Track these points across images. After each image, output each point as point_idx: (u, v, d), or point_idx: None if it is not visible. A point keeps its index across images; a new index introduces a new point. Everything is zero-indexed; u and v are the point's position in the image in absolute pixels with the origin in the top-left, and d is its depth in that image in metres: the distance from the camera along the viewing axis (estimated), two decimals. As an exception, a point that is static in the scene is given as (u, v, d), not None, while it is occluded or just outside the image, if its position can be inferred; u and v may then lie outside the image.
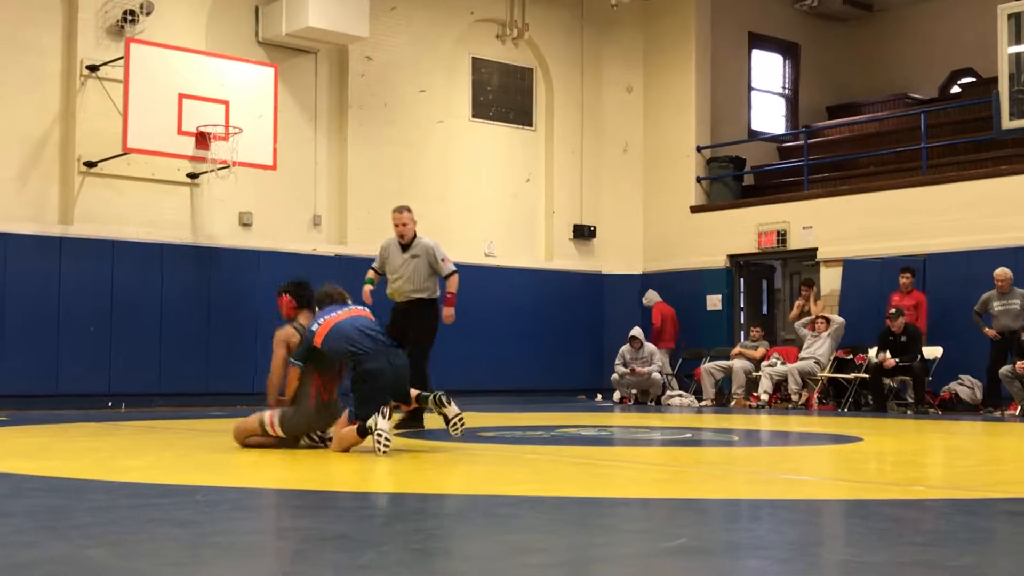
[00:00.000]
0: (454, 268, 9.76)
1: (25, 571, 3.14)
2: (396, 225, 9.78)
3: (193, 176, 14.35)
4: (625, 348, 16.80)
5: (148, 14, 14.01)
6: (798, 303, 16.07)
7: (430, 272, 9.68)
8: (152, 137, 13.23)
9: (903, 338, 14.08)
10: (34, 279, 13.31)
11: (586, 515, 4.60)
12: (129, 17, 13.90)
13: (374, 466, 6.37)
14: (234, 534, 3.96)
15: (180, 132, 13.44)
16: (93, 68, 13.70)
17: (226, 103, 13.76)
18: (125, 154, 13.38)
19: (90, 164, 13.66)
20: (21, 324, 13.18)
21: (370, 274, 9.98)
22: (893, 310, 14.20)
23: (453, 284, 9.71)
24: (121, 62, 13.26)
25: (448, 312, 9.69)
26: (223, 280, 14.64)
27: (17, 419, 10.94)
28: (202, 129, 13.53)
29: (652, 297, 17.61)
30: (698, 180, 18.32)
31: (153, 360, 13.99)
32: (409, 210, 9.86)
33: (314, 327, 7.29)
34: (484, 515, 4.48)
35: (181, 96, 13.47)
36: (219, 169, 13.65)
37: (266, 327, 14.26)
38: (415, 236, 9.81)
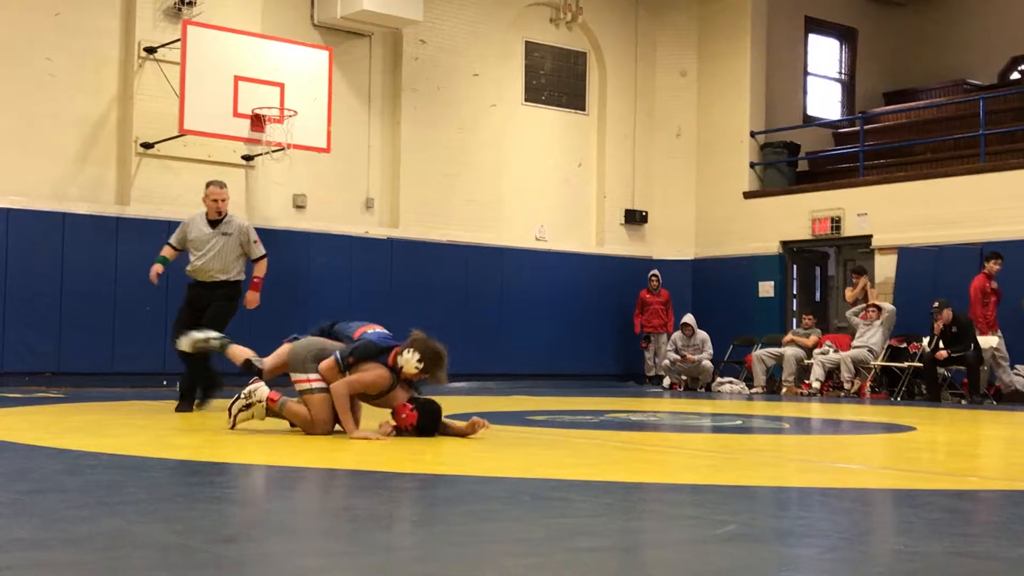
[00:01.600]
0: (265, 252, 9.50)
1: (80, 546, 3.19)
2: (215, 200, 9.25)
3: (248, 158, 14.46)
4: (677, 335, 16.77)
5: (205, -3, 14.13)
6: (850, 290, 15.93)
7: (240, 253, 9.39)
8: (208, 119, 13.35)
9: (953, 328, 13.92)
10: (91, 259, 13.49)
11: (635, 500, 4.59)
12: None
13: (426, 448, 6.40)
14: (286, 512, 3.99)
15: (236, 114, 13.55)
16: (151, 50, 13.83)
17: (281, 86, 13.85)
18: (181, 136, 13.51)
19: (147, 145, 13.81)
20: (78, 303, 13.37)
21: (166, 251, 9.62)
22: (936, 303, 14.02)
23: (262, 268, 9.46)
24: (178, 44, 13.36)
25: (252, 296, 9.44)
26: (276, 262, 14.58)
27: (74, 396, 11.11)
28: (257, 111, 13.63)
29: (659, 278, 17.52)
30: (752, 166, 18.19)
31: (207, 340, 14.10)
32: (226, 186, 9.42)
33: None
34: (534, 498, 4.49)
35: (237, 78, 13.57)
36: (274, 151, 13.78)
37: (318, 309, 14.50)
38: (227, 213, 9.43)
